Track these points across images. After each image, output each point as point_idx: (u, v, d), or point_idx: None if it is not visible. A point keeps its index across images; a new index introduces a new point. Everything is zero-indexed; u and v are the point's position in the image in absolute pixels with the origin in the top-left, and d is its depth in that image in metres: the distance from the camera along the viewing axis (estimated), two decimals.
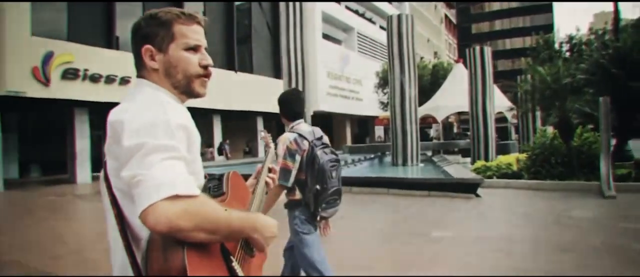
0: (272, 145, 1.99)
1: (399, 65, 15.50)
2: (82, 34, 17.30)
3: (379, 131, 38.43)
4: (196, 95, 1.34)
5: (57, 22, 16.78)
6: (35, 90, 15.55)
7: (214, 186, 1.34)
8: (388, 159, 16.01)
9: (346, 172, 14.18)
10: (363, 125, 40.77)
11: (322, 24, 31.43)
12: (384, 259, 5.11)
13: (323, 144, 2.99)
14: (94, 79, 17.16)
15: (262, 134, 2.34)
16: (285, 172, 2.88)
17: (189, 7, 18.40)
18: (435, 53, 52.78)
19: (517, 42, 71.50)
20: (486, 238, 5.88)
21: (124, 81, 18.08)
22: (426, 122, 27.23)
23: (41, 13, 16.03)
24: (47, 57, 15.74)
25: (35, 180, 19.72)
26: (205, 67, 1.31)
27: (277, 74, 25.51)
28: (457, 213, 7.90)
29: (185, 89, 1.31)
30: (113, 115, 1.17)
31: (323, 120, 33.81)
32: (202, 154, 16.86)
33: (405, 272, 4.50)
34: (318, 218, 2.95)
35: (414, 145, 15.34)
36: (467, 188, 9.56)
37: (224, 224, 1.08)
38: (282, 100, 3.15)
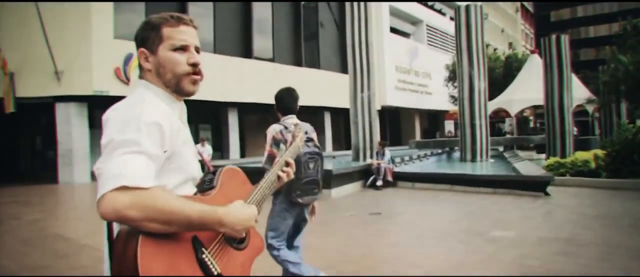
0: (298, 138, 1.94)
1: (468, 57, 14.93)
2: None
3: (449, 126, 37.31)
4: (186, 93, 1.41)
5: (136, 24, 17.79)
6: (117, 90, 16.69)
7: (208, 180, 1.40)
8: (457, 154, 15.50)
9: (409, 168, 13.93)
10: (433, 120, 39.76)
11: (390, 17, 30.95)
12: (434, 258, 4.95)
13: (307, 138, 3.28)
14: None
15: (292, 127, 2.43)
16: (270, 158, 3.32)
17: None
18: (510, 44, 50.17)
19: (602, 29, 66.07)
20: (550, 239, 5.51)
21: None
22: (499, 116, 26.03)
23: (122, 16, 17.18)
24: (128, 58, 16.83)
25: None
26: (193, 65, 1.37)
27: (344, 69, 25.51)
28: (521, 212, 7.48)
29: (176, 87, 1.38)
30: (104, 114, 1.24)
31: (391, 114, 33.44)
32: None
33: (453, 273, 4.34)
34: (296, 200, 3.30)
35: (484, 140, 14.73)
36: (536, 186, 9.03)
37: (180, 216, 1.10)
38: (277, 97, 3.57)
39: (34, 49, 15.19)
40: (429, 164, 15.71)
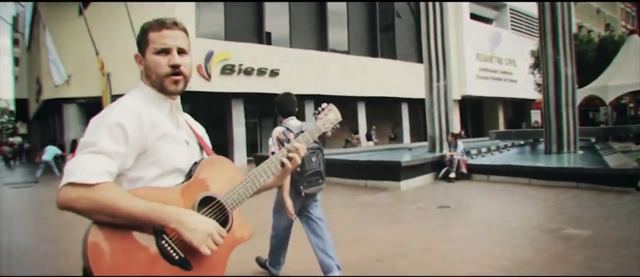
0: (321, 121, 1.87)
1: (552, 41, 13.84)
2: (237, 32, 19.06)
3: (536, 116, 34.99)
4: (169, 92, 1.49)
5: (216, 23, 18.73)
6: (199, 85, 17.61)
7: (189, 171, 1.46)
8: (542, 146, 14.51)
9: (486, 160, 13.30)
10: (518, 109, 37.56)
11: (470, 4, 29.61)
12: (494, 255, 4.68)
13: None
14: (248, 72, 18.76)
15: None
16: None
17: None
18: (608, 25, 45.80)
19: None
20: (631, 241, 5.00)
21: (273, 73, 19.41)
22: (592, 104, 23.93)
23: (203, 15, 18.06)
24: (209, 56, 17.72)
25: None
26: (172, 67, 1.44)
27: (422, 59, 24.91)
28: (603, 209, 6.84)
29: (160, 87, 1.48)
30: None
31: (473, 105, 32.09)
32: (348, 140, 17.35)
33: (515, 273, 4.08)
34: (303, 194, 3.72)
35: (571, 130, 13.63)
36: (624, 180, 8.21)
37: (124, 211, 1.22)
38: (277, 102, 4.00)
39: (127, 50, 16.33)
40: (508, 156, 14.85)
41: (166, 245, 1.27)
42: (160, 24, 1.46)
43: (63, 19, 17.30)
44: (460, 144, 11.51)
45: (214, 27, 18.62)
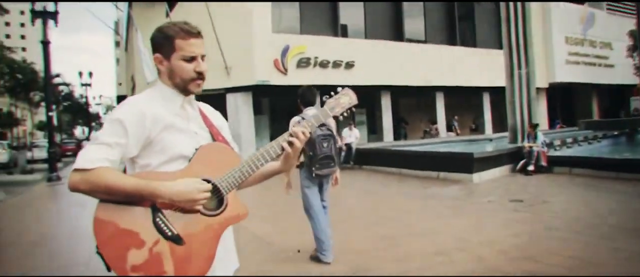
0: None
1: None
2: (312, 25, 19.31)
3: (636, 103, 31.84)
4: (191, 93, 1.67)
5: (292, 18, 19.12)
6: (277, 79, 18.14)
7: (190, 158, 1.61)
8: None
9: (571, 151, 12.42)
10: (616, 97, 34.35)
11: None
12: (561, 253, 4.41)
13: (321, 124, 3.71)
14: (323, 65, 18.96)
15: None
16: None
17: None
18: None
19: None
20: None
21: (349, 65, 19.45)
22: None
23: (278, 12, 18.53)
24: (285, 50, 18.14)
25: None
26: (198, 73, 1.62)
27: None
28: None
29: (183, 89, 1.65)
30: None
31: (563, 92, 29.90)
32: (426, 131, 16.96)
33: (579, 273, 3.83)
34: (313, 175, 4.26)
35: None
36: None
37: (117, 189, 1.40)
38: (300, 94, 4.59)
39: (209, 47, 16.97)
40: (596, 148, 13.73)
41: (160, 222, 1.44)
42: (188, 33, 1.61)
43: (152, 21, 18.56)
44: (540, 134, 10.86)
45: (289, 21, 19.02)
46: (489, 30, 24.68)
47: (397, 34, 21.80)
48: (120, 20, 36.35)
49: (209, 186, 1.51)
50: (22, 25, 77.88)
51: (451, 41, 23.37)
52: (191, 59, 1.61)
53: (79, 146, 34.04)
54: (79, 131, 76.00)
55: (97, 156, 1.43)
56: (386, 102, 22.08)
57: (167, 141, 1.56)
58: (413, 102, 25.48)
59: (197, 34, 1.63)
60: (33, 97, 41.11)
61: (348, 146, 13.79)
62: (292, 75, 18.42)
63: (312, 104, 4.48)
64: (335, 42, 19.48)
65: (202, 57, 1.64)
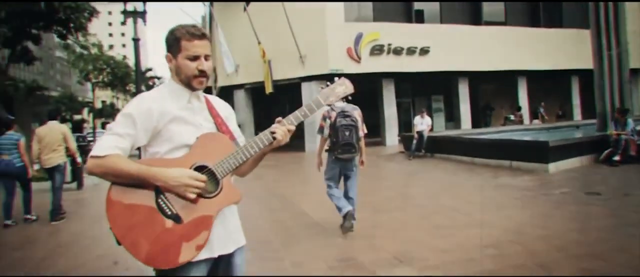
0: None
1: None
2: (386, 12, 18.95)
3: None
4: (194, 89, 1.82)
5: (364, 5, 18.90)
6: (350, 67, 18.06)
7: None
8: None
9: None
10: None
11: None
12: (629, 251, 3.98)
13: (345, 115, 4.95)
14: (397, 51, 18.57)
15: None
16: (321, 128, 5.14)
17: None
18: None
19: None
20: None
21: (424, 51, 18.88)
22: None
23: (350, 1, 18.42)
24: (358, 38, 18.01)
25: None
26: (200, 71, 1.77)
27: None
28: None
29: (187, 85, 1.82)
30: None
31: None
32: (507, 118, 15.94)
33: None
34: (334, 157, 4.99)
35: None
36: None
37: (125, 173, 1.60)
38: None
39: (283, 38, 17.60)
40: None
41: (162, 202, 1.63)
42: (192, 35, 1.76)
43: (231, 17, 19.29)
44: (631, 122, 9.81)
45: (362, 9, 18.82)
46: (576, 9, 22.61)
47: (475, 17, 20.76)
48: (206, 16, 38.23)
49: (203, 177, 1.66)
50: (111, 24, 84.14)
51: (534, 22, 21.83)
52: (194, 58, 1.76)
53: None
54: None
55: (109, 144, 1.64)
56: (464, 89, 21.17)
57: (173, 132, 1.74)
58: (493, 88, 24.13)
59: (201, 36, 1.77)
60: (129, 89, 44.70)
61: (419, 133, 13.43)
62: (366, 63, 18.27)
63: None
64: (409, 28, 19.00)
65: (206, 57, 1.78)
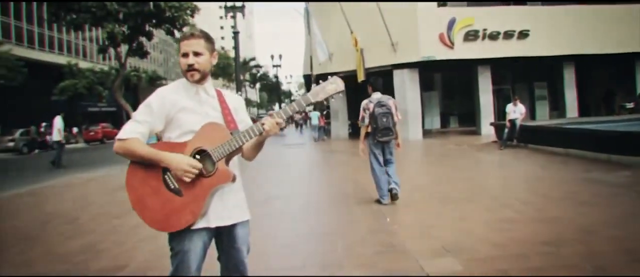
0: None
1: None
2: None
3: None
4: (190, 82, 2.10)
5: None
6: (442, 54, 17.46)
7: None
8: None
9: None
10: None
11: None
12: None
13: (381, 104, 5.71)
14: (493, 36, 17.52)
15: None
16: (362, 118, 5.86)
17: None
18: None
19: None
20: None
21: (523, 35, 17.59)
22: None
23: None
24: (451, 23, 17.29)
25: (452, 130, 22.21)
26: (188, 66, 2.05)
27: None
28: None
29: (185, 77, 2.11)
30: None
31: None
32: (623, 106, 14.35)
33: None
34: (376, 140, 5.77)
35: None
36: None
37: (139, 155, 1.94)
38: (371, 82, 6.04)
39: (375, 26, 17.50)
40: None
41: (167, 178, 1.97)
42: (183, 37, 2.09)
43: (325, 7, 19.54)
44: None
45: None
46: None
47: None
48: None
49: (199, 164, 1.95)
50: (222, 18, 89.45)
51: None
52: (184, 55, 2.05)
53: None
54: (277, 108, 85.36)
55: (130, 129, 1.98)
56: (569, 75, 19.35)
57: (182, 120, 2.04)
58: (604, 74, 21.67)
59: (190, 36, 2.07)
60: (234, 78, 47.88)
61: (512, 122, 12.62)
62: (459, 49, 17.52)
63: (379, 90, 5.93)
64: (507, 11, 17.79)
65: (195, 53, 2.05)
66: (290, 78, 72.25)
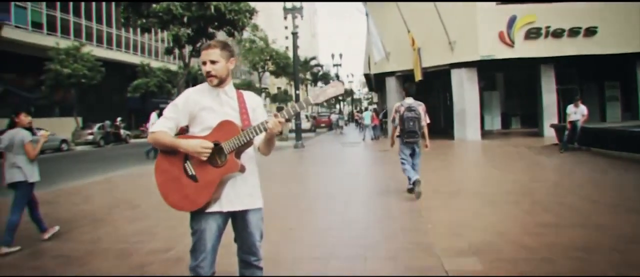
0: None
1: None
2: None
3: None
4: (210, 85, 2.43)
5: None
6: (502, 52, 16.93)
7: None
8: None
9: None
10: None
11: None
12: None
13: (410, 109, 6.36)
14: (556, 34, 16.74)
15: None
16: (393, 119, 6.60)
17: None
18: None
19: None
20: None
21: (590, 32, 16.67)
22: None
23: None
24: (511, 21, 16.72)
25: (514, 131, 21.42)
26: (207, 72, 2.38)
27: None
28: None
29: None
30: None
31: None
32: None
33: None
34: (404, 141, 6.49)
35: None
36: None
37: (163, 144, 2.31)
38: (405, 88, 6.70)
39: (433, 25, 17.30)
40: None
41: (186, 166, 2.30)
42: (202, 47, 2.44)
43: (383, 6, 19.51)
44: None
45: None
46: None
47: None
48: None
49: (210, 144, 2.25)
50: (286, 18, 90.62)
51: None
52: (203, 63, 2.39)
53: (329, 119, 38.42)
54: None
55: (160, 124, 2.37)
56: None
57: (203, 117, 2.38)
58: None
59: (207, 46, 2.41)
60: (304, 78, 49.00)
61: (572, 124, 12.06)
62: (520, 47, 16.91)
63: (411, 95, 6.55)
64: (572, 7, 16.83)
65: (212, 62, 2.37)
66: (352, 77, 72.30)
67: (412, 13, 17.82)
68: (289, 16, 17.68)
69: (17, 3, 28.00)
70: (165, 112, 2.40)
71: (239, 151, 2.30)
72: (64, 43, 28.22)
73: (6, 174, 4.83)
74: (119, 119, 29.54)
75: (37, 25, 30.17)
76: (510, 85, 22.68)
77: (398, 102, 6.61)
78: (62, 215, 6.16)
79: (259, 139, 2.39)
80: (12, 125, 4.97)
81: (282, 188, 8.05)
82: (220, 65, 2.37)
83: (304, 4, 17.97)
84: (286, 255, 4.14)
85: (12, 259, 4.37)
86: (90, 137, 26.16)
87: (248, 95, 2.54)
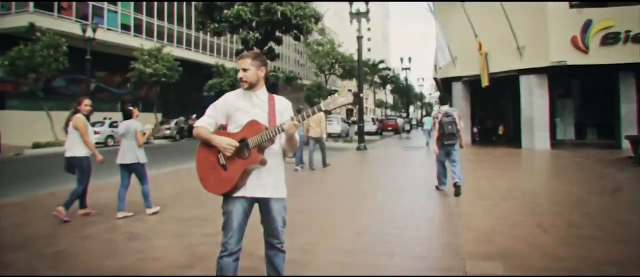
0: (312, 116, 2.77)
1: None
2: None
3: None
4: (246, 90, 2.83)
5: None
6: (575, 59, 16.10)
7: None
8: None
9: None
10: None
11: None
12: None
13: (448, 115, 7.27)
14: (638, 40, 15.64)
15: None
16: (434, 124, 7.48)
17: None
18: None
19: None
20: None
21: None
22: None
23: None
24: (586, 26, 15.86)
25: (589, 142, 20.21)
26: (240, 79, 2.79)
27: None
28: None
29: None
30: None
31: None
32: None
33: None
34: (443, 144, 7.30)
35: None
36: None
37: (202, 137, 2.73)
38: (440, 98, 8.01)
39: (501, 30, 16.83)
40: None
41: (219, 157, 2.70)
42: (238, 58, 2.89)
43: (450, 10, 19.28)
44: None
45: None
46: None
47: None
48: None
49: (236, 143, 2.65)
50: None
51: None
52: (237, 71, 2.81)
53: (396, 123, 38.18)
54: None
55: (202, 120, 2.81)
56: None
57: (237, 117, 2.78)
58: None
59: (241, 57, 2.82)
60: (372, 81, 49.26)
61: None
62: (596, 54, 15.99)
63: (445, 103, 7.72)
64: None
65: (244, 69, 2.76)
66: (423, 81, 71.09)
67: (479, 17, 17.46)
68: (355, 21, 17.98)
69: (110, 8, 30.77)
70: (207, 111, 2.82)
71: (261, 147, 2.66)
72: (148, 44, 30.60)
73: (121, 154, 6.01)
74: (194, 116, 31.45)
75: (125, 28, 33.00)
76: (587, 94, 21.39)
77: (435, 111, 7.57)
78: (134, 199, 6.93)
79: (283, 139, 2.78)
80: (128, 116, 6.01)
81: (324, 185, 8.41)
82: (251, 72, 2.75)
83: (377, 6, 18.34)
84: (318, 250, 4.50)
85: (90, 228, 5.13)
86: (168, 132, 28.17)
87: (279, 100, 2.88)
